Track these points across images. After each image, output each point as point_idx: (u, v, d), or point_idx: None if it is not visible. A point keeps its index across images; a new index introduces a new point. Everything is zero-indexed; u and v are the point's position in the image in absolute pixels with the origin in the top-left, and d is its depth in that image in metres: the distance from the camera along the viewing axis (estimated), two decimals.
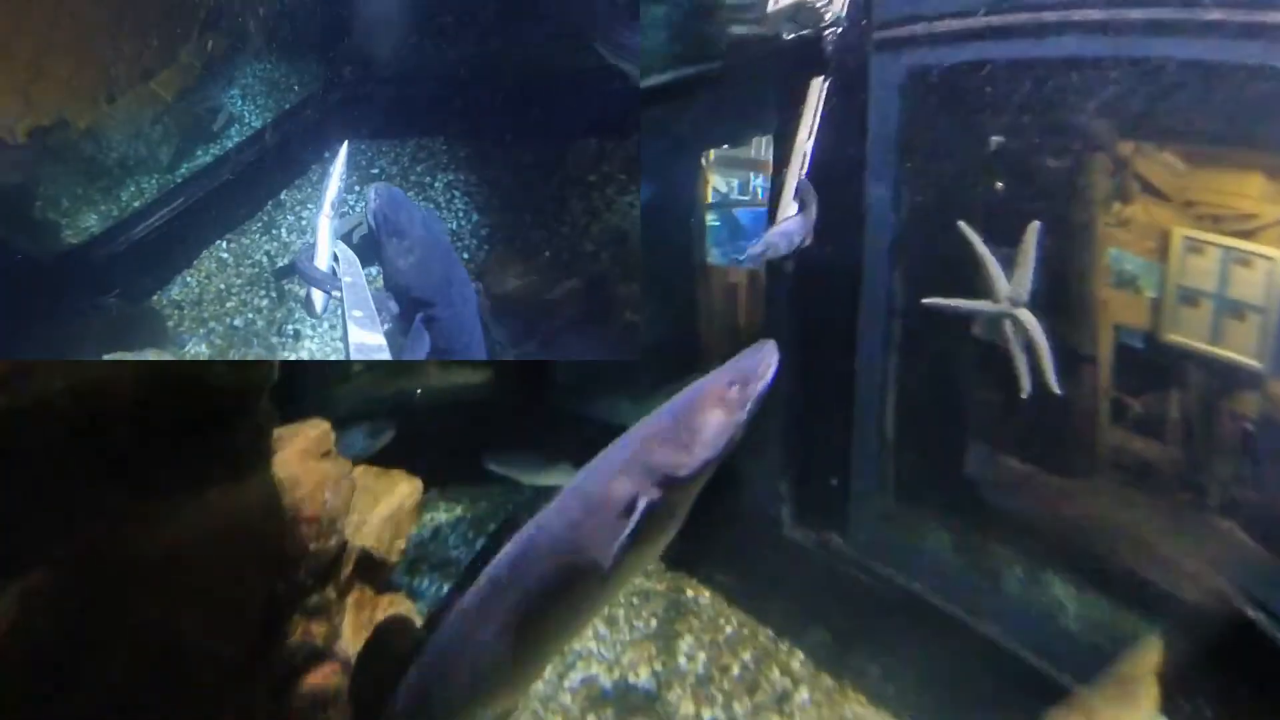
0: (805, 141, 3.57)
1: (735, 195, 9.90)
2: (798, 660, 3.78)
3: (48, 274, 3.05)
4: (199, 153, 3.78)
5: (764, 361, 1.83)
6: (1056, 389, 2.97)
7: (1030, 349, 3.02)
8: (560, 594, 1.85)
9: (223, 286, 3.40)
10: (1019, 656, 3.01)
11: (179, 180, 3.60)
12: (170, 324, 3.20)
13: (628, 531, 1.69)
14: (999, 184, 3.45)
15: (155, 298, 3.31)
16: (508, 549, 1.96)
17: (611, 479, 1.81)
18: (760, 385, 1.80)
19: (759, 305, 6.41)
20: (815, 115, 3.59)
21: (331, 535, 2.51)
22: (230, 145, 3.76)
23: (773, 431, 3.98)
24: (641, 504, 1.71)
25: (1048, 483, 3.60)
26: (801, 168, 3.55)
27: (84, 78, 3.49)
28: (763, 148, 9.41)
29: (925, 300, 3.23)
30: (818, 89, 3.59)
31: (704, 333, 6.48)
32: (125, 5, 3.54)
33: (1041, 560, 3.44)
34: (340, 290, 2.61)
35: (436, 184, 3.88)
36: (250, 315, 3.30)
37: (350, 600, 2.70)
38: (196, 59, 3.81)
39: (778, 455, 3.99)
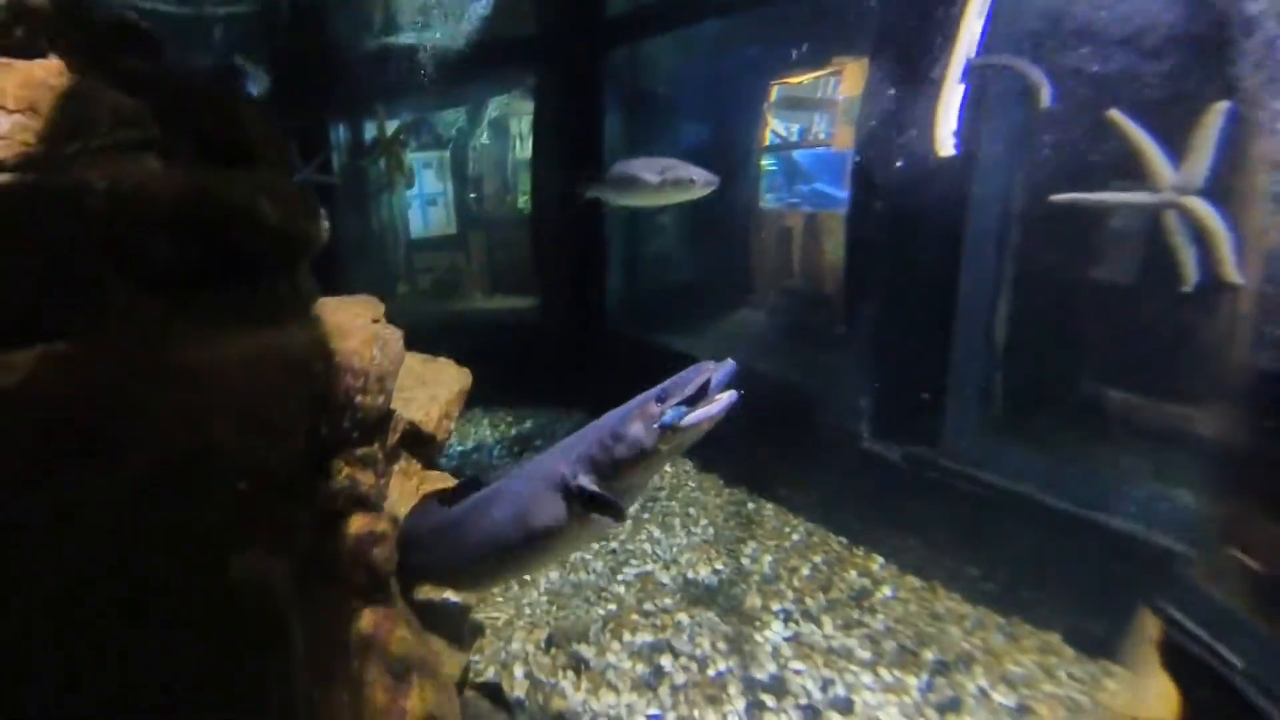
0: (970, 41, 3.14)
1: (795, 139, 9.40)
2: (876, 564, 3.58)
3: None
4: None
5: (692, 380, 1.85)
6: (1238, 279, 2.58)
7: (1202, 240, 2.64)
8: (515, 543, 2.07)
9: None
10: (1143, 539, 2.78)
11: None
12: None
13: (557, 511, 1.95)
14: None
15: None
16: (484, 491, 2.22)
17: (556, 462, 2.04)
18: (677, 399, 1.83)
19: (813, 248, 6.15)
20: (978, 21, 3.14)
21: (380, 393, 2.37)
22: None
23: (851, 346, 3.72)
24: (572, 484, 1.93)
25: (1167, 406, 3.33)
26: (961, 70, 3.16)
27: None
28: (830, 87, 8.84)
29: (1054, 197, 2.83)
30: None
31: (755, 271, 6.52)
32: None
33: (1164, 466, 3.21)
34: None
35: None
36: None
37: (397, 468, 2.59)
38: None
39: (855, 369, 3.70)
